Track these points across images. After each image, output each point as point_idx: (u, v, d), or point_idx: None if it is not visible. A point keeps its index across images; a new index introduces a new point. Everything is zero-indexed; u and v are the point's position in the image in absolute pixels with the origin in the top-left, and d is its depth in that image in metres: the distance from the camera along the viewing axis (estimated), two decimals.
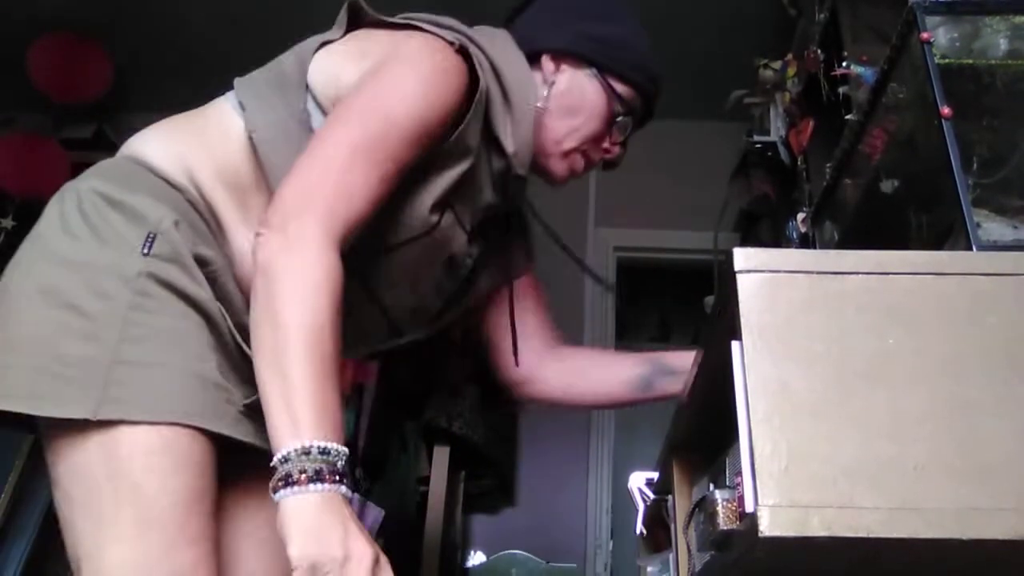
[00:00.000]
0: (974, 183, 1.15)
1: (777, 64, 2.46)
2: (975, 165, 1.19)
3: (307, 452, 0.78)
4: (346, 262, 0.93)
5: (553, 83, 1.18)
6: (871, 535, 0.66)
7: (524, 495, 3.08)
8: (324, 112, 1.05)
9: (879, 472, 0.68)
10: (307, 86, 1.07)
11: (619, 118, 1.21)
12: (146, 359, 0.90)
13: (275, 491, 0.78)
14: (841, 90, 1.83)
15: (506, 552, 2.86)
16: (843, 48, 1.87)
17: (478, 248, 1.23)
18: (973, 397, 0.72)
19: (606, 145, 1.23)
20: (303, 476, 0.77)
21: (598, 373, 1.40)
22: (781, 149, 2.44)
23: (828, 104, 1.96)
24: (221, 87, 1.17)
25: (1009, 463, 0.69)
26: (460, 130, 1.06)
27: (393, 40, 1.08)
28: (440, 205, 1.10)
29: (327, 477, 0.78)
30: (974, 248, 1.02)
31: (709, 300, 2.82)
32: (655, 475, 1.50)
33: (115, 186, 0.99)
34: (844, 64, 1.82)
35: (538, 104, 1.16)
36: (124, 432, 0.87)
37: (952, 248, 1.10)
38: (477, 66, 1.08)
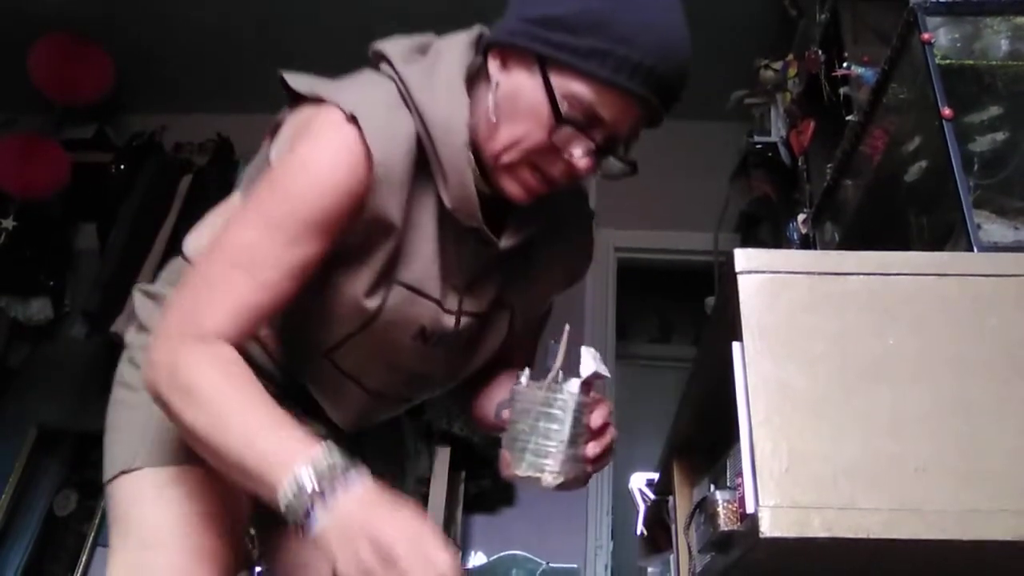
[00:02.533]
0: (975, 184, 1.15)
1: (778, 64, 2.46)
2: (976, 166, 1.19)
3: (298, 484, 0.78)
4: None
5: (497, 85, 0.97)
6: (872, 536, 0.66)
7: (524, 496, 3.08)
8: None
9: (880, 473, 0.68)
10: None
11: (561, 127, 0.93)
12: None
13: (304, 533, 0.79)
14: (842, 91, 1.83)
15: (506, 553, 2.86)
16: (844, 49, 1.87)
17: (480, 302, 1.10)
18: (974, 398, 0.72)
19: (569, 158, 0.95)
20: (308, 508, 0.78)
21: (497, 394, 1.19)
22: (782, 150, 2.44)
23: (829, 105, 1.96)
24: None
25: (1010, 464, 0.69)
26: (369, 211, 0.95)
27: (290, 131, 1.01)
28: (377, 288, 1.01)
29: (325, 491, 0.78)
30: (975, 249, 1.02)
31: (709, 301, 2.82)
32: (656, 476, 1.50)
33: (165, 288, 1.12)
34: (845, 65, 1.82)
35: (490, 117, 0.96)
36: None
37: (953, 249, 1.10)
38: (370, 138, 0.93)
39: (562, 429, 0.91)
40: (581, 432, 0.92)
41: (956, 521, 0.66)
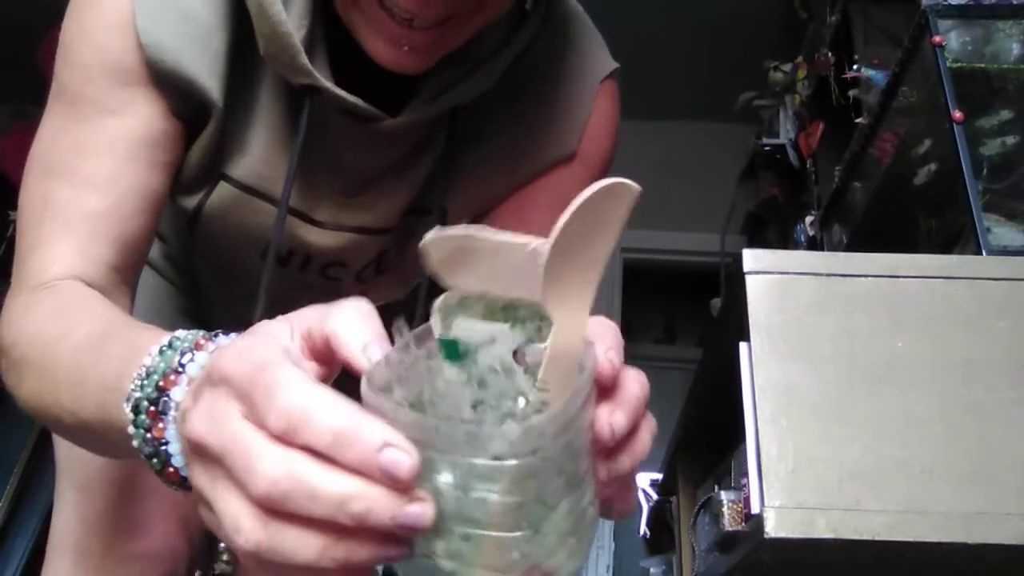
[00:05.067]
0: (984, 188, 1.15)
1: (787, 66, 2.46)
2: (985, 170, 1.19)
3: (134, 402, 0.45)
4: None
5: None
6: (877, 538, 0.66)
7: None
8: None
9: (886, 475, 0.68)
10: None
11: None
12: None
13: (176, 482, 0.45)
14: (851, 93, 1.83)
15: None
16: (854, 51, 1.87)
17: (381, 211, 0.79)
18: (982, 401, 0.71)
19: None
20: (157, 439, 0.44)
21: None
22: (790, 151, 2.44)
23: (838, 107, 1.96)
24: None
25: (1016, 468, 0.69)
26: (169, 75, 0.67)
27: None
28: (199, 183, 0.75)
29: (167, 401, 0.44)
30: (984, 252, 1.02)
31: (715, 302, 2.82)
32: (659, 476, 1.50)
33: None
34: (855, 67, 1.81)
35: None
36: None
37: (962, 252, 1.10)
38: None
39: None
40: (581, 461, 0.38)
41: (962, 524, 0.66)
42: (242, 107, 0.71)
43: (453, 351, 0.36)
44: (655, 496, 1.51)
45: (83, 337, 0.55)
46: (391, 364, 0.35)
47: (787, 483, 0.68)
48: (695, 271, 3.50)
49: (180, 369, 0.44)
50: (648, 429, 0.41)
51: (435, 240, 0.38)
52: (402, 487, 0.32)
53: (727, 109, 2.76)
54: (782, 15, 2.71)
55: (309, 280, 0.83)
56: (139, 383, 0.45)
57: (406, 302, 0.91)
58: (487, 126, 0.78)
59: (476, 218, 0.83)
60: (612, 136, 0.84)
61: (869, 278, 0.77)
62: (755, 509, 0.68)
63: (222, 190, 0.74)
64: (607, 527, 3.05)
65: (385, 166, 0.77)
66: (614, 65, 0.83)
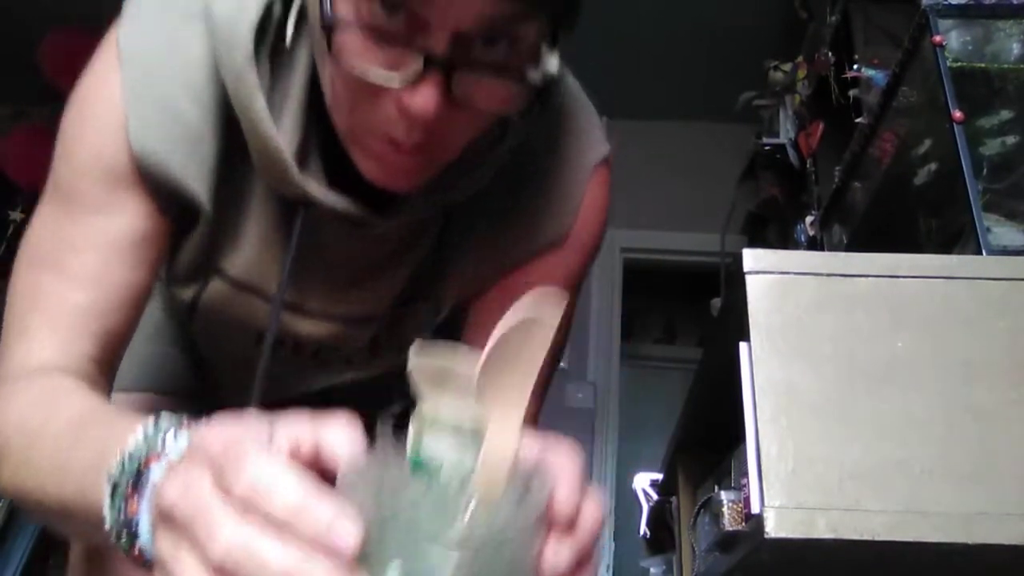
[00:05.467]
0: (985, 188, 1.15)
1: (787, 66, 2.46)
2: (986, 170, 1.19)
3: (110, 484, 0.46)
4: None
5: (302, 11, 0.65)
6: (877, 538, 0.66)
7: None
8: None
9: (886, 475, 0.68)
10: None
11: (336, 37, 0.55)
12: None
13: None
14: (851, 93, 1.83)
15: None
16: (854, 51, 1.87)
17: (371, 301, 0.81)
18: (982, 401, 0.71)
19: (397, 96, 0.56)
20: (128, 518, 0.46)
21: None
22: (790, 151, 2.44)
23: (838, 107, 1.96)
24: None
25: (1017, 469, 0.69)
26: (158, 181, 0.68)
27: None
28: (194, 275, 0.77)
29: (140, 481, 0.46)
30: (984, 252, 1.02)
31: (715, 302, 2.82)
32: (659, 476, 1.50)
33: None
34: (855, 67, 1.81)
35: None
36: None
37: (962, 252, 1.10)
38: (124, 58, 0.67)
39: None
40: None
41: (962, 524, 0.66)
42: (233, 208, 0.72)
43: (419, 466, 0.40)
44: (655, 496, 1.51)
45: (65, 424, 0.57)
46: (365, 467, 0.39)
47: (787, 483, 0.68)
48: (695, 271, 3.50)
49: (163, 449, 0.46)
50: (596, 563, 0.44)
51: (418, 363, 0.42)
52: (346, 562, 0.35)
53: (727, 109, 2.76)
54: (782, 15, 2.71)
55: (302, 362, 0.85)
56: (120, 463, 0.47)
57: (403, 369, 0.91)
58: (479, 217, 0.77)
59: (465, 302, 0.83)
60: (602, 221, 0.84)
61: (869, 278, 0.77)
62: (755, 509, 0.68)
63: (216, 284, 0.76)
64: (607, 527, 3.05)
65: (376, 261, 0.77)
66: (608, 150, 0.82)
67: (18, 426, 0.60)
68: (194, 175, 0.68)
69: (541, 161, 0.78)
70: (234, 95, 0.64)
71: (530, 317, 0.38)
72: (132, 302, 0.70)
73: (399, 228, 0.73)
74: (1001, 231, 1.10)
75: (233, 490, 0.37)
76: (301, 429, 0.41)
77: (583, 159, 0.80)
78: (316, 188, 0.67)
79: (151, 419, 0.48)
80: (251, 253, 0.74)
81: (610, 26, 2.96)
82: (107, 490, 0.46)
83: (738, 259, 0.79)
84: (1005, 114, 1.23)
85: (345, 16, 0.55)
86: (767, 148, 2.56)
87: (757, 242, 2.87)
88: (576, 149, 0.80)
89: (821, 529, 0.66)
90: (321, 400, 0.90)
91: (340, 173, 0.68)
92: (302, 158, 0.67)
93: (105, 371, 0.70)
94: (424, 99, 0.55)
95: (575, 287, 0.85)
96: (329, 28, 0.55)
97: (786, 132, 2.49)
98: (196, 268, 0.76)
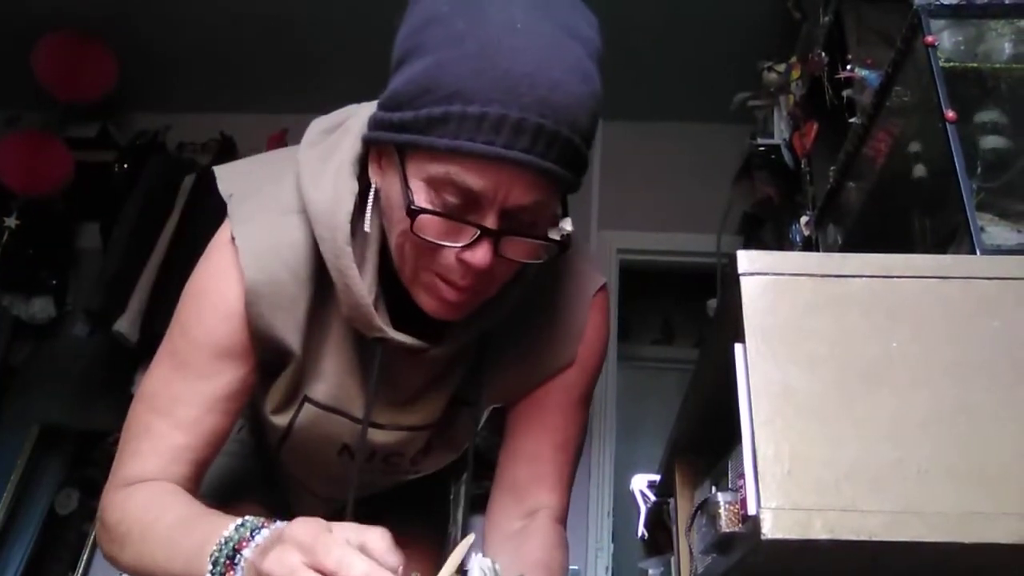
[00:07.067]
0: (978, 187, 1.15)
1: (781, 67, 2.46)
2: (979, 169, 1.19)
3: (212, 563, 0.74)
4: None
5: (377, 192, 0.84)
6: (873, 539, 0.66)
7: None
8: None
9: (882, 475, 0.68)
10: None
11: (417, 219, 0.77)
12: None
13: None
14: (845, 93, 1.83)
15: None
16: (847, 51, 1.87)
17: (426, 412, 1.01)
18: (976, 401, 0.71)
19: (458, 253, 0.79)
20: None
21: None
22: (785, 152, 2.44)
23: (832, 107, 1.96)
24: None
25: (1012, 467, 0.69)
26: (260, 333, 0.90)
27: None
28: (286, 405, 0.98)
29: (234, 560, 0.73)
30: (978, 252, 1.02)
31: (711, 303, 2.82)
32: (657, 478, 1.50)
33: None
34: (848, 67, 1.82)
35: (366, 228, 0.85)
36: None
37: (956, 252, 1.10)
38: (243, 258, 0.88)
39: None
40: None
41: (958, 524, 0.66)
42: (316, 346, 0.94)
43: None
44: (653, 497, 1.51)
45: (174, 518, 0.82)
46: None
47: (783, 484, 0.68)
48: (692, 271, 3.50)
49: (251, 537, 0.73)
50: None
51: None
52: None
53: (722, 110, 2.76)
54: (776, 16, 2.71)
55: (373, 467, 1.06)
56: (220, 546, 0.73)
57: (456, 462, 1.16)
58: (505, 340, 0.99)
59: (502, 408, 1.05)
60: (604, 341, 1.05)
61: (863, 279, 0.77)
62: (751, 510, 0.68)
63: (307, 411, 0.97)
64: (605, 528, 3.05)
65: (430, 378, 0.98)
66: (603, 280, 1.04)
67: (137, 519, 0.85)
68: (291, 330, 0.90)
69: (550, 293, 1.00)
70: (333, 267, 0.85)
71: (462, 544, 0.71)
72: (219, 441, 0.93)
73: (446, 352, 0.93)
74: (995, 230, 1.10)
75: (325, 564, 0.62)
76: (350, 533, 0.65)
77: (584, 291, 1.02)
78: (389, 329, 0.88)
79: (239, 519, 0.75)
80: (334, 381, 0.95)
81: (604, 27, 2.95)
82: (209, 566, 0.72)
83: (733, 260, 0.79)
84: (997, 113, 1.23)
85: (424, 205, 0.77)
86: (762, 148, 2.56)
87: (753, 242, 2.88)
88: (576, 283, 1.02)
89: (818, 530, 0.66)
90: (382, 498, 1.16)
91: (397, 314, 0.89)
92: (375, 307, 0.87)
93: (194, 485, 0.93)
94: (480, 257, 0.78)
95: (588, 396, 1.06)
96: (414, 215, 0.77)
97: (780, 132, 2.49)
98: (289, 399, 0.97)
